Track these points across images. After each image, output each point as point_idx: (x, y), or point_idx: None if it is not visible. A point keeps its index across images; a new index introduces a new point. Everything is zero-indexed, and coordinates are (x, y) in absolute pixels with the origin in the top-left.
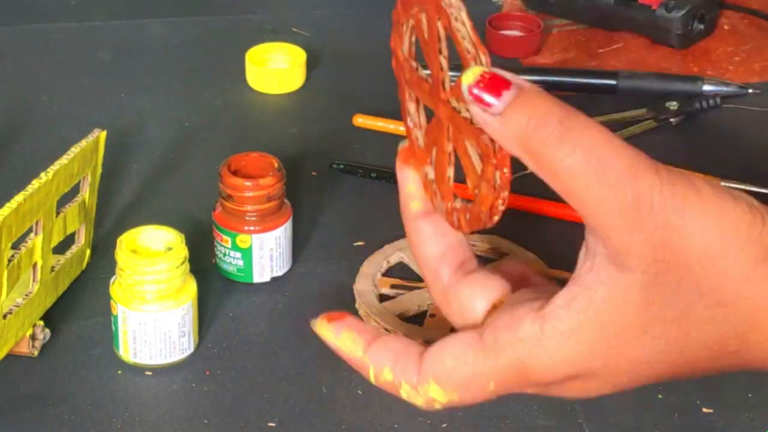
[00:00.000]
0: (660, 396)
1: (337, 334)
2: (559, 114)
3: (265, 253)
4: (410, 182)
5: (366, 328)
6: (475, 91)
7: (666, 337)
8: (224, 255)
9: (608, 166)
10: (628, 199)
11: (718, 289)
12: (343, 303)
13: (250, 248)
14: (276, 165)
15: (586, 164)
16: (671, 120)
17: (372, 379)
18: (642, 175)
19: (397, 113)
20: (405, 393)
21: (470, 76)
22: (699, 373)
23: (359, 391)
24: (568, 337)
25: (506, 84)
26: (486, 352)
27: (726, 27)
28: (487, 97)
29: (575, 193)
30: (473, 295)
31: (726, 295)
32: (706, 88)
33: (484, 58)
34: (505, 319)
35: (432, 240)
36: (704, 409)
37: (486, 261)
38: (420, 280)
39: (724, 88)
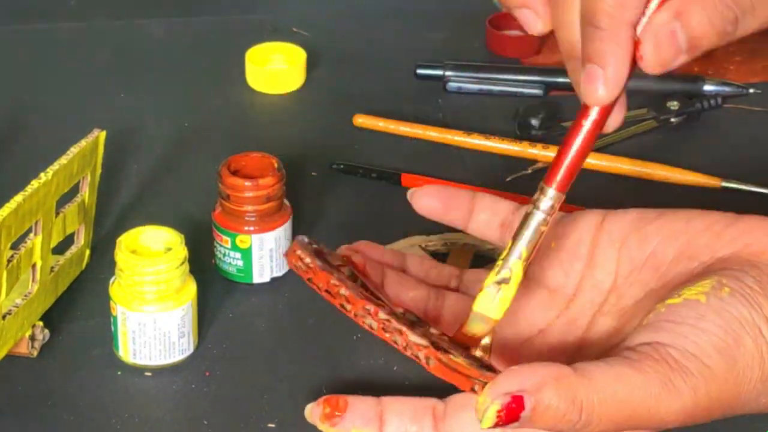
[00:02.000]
0: None
1: None
2: (575, 406)
3: (264, 253)
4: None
5: (368, 412)
6: (497, 428)
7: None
8: (224, 255)
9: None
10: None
11: None
12: None
13: (249, 248)
14: (276, 165)
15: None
16: (672, 120)
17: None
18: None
19: (397, 113)
20: None
21: (487, 421)
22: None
23: (360, 392)
24: None
25: (520, 404)
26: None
27: None
28: (510, 427)
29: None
30: None
31: None
32: (707, 88)
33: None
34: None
35: None
36: None
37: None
38: None
39: (725, 88)
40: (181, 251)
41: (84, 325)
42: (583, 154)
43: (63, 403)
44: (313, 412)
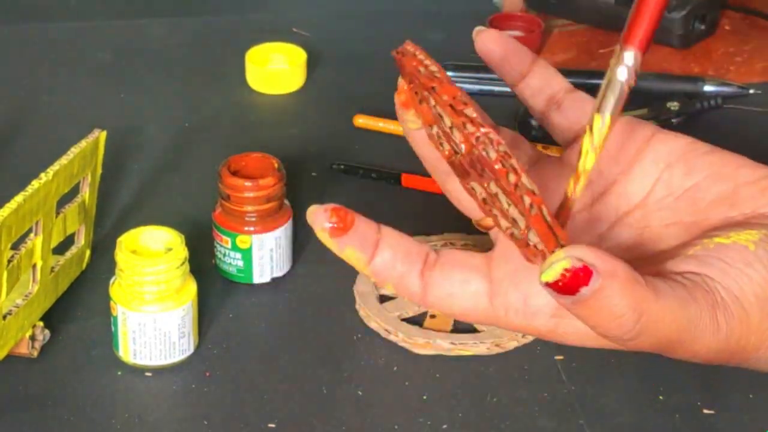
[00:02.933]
0: (661, 397)
1: (341, 249)
2: (634, 314)
3: (265, 253)
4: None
5: (368, 236)
6: (552, 290)
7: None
8: (224, 255)
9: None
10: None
11: None
12: (344, 304)
13: (250, 249)
14: (276, 165)
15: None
16: (672, 120)
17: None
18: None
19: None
20: (407, 300)
21: (550, 274)
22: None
23: (359, 392)
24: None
25: (587, 278)
26: (497, 320)
27: (727, 27)
28: (563, 298)
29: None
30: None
31: None
32: (707, 88)
33: (562, 240)
34: (518, 304)
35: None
36: (705, 410)
37: None
38: None
39: (725, 89)
40: (182, 251)
41: (84, 326)
42: (661, 7)
43: (63, 404)
44: (316, 216)
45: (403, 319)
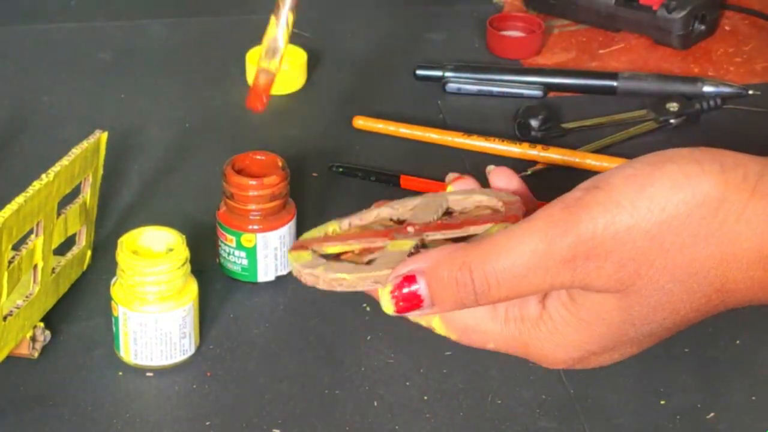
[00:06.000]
0: (662, 399)
1: None
2: (465, 276)
3: (269, 252)
4: None
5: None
6: (404, 312)
7: (654, 321)
8: (228, 254)
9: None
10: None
11: (684, 263)
12: (346, 304)
13: (254, 247)
14: (280, 164)
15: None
16: (672, 121)
17: (379, 292)
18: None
19: (397, 115)
20: (411, 314)
21: (386, 306)
22: (694, 322)
23: (361, 393)
24: (563, 328)
25: (411, 281)
26: (494, 316)
27: (727, 28)
28: (413, 313)
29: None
30: None
31: (694, 264)
32: (707, 89)
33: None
34: (515, 293)
35: None
36: (705, 411)
37: None
38: None
39: (725, 89)
40: (183, 252)
41: (85, 326)
42: None
43: (64, 404)
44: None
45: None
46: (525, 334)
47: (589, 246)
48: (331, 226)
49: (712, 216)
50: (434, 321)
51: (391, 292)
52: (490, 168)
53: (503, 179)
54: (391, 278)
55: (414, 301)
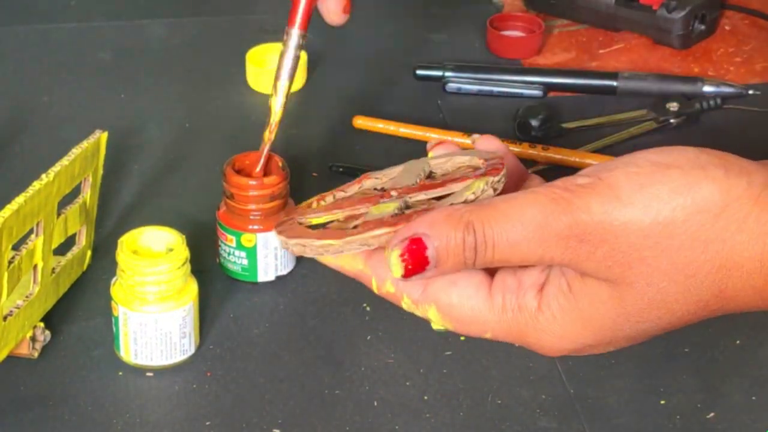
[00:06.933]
0: (662, 399)
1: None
2: (470, 236)
3: (269, 252)
4: None
5: None
6: (411, 276)
7: (649, 319)
8: (228, 254)
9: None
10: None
11: (681, 265)
12: (346, 304)
13: (254, 247)
14: (280, 164)
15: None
16: (672, 121)
17: (375, 290)
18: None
19: (397, 115)
20: (405, 305)
21: (395, 269)
22: (691, 323)
23: (361, 393)
24: (561, 318)
25: (423, 248)
26: (492, 305)
27: (727, 27)
28: (416, 277)
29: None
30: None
31: (692, 266)
32: (707, 89)
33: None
34: (514, 283)
35: None
36: (705, 411)
37: None
38: None
39: (725, 89)
40: (183, 252)
41: (85, 326)
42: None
43: (64, 404)
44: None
45: None
46: (523, 323)
47: (584, 230)
48: (314, 201)
49: (712, 222)
50: (430, 311)
51: (401, 255)
52: (476, 136)
53: (489, 146)
54: (397, 241)
55: (423, 263)
